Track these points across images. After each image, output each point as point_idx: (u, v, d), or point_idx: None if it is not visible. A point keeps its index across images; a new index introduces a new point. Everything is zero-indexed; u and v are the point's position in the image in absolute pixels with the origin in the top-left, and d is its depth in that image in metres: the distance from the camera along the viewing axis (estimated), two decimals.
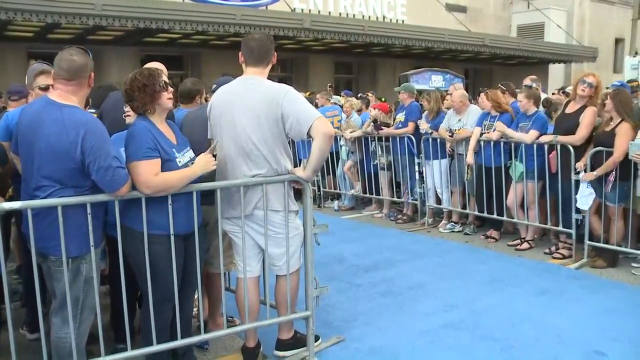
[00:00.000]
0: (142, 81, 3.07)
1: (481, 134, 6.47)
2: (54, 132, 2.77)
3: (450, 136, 6.86)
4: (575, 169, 5.49)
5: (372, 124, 7.77)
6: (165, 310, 3.22)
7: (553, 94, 8.63)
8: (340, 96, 10.19)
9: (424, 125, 7.16)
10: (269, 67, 3.50)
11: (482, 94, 6.72)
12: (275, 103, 3.29)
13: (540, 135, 5.90)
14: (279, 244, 3.47)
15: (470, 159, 6.48)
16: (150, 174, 2.95)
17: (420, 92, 8.43)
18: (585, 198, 5.40)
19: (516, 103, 6.44)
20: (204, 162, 3.17)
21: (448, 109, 7.26)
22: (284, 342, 3.71)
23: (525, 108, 6.13)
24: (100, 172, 2.78)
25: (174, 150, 3.13)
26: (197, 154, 3.30)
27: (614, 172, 5.24)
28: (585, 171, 5.42)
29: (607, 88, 6.39)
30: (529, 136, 5.95)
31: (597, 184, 5.40)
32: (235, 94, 3.40)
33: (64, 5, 10.25)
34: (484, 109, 6.65)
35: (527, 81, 7.12)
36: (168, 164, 3.07)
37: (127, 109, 3.42)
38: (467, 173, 6.60)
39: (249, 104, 3.33)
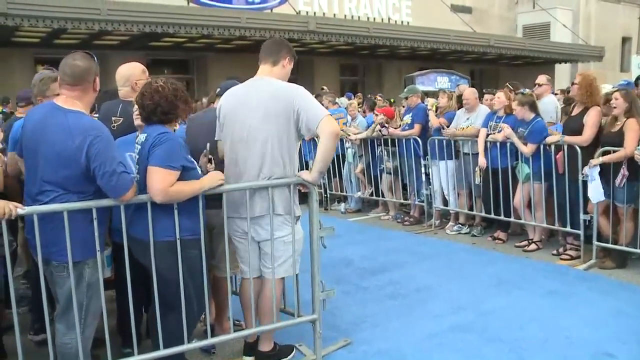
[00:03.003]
0: (186, 95, 3.19)
1: (487, 135, 6.45)
2: (58, 137, 2.78)
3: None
4: (582, 174, 5.45)
5: (379, 128, 7.75)
6: (202, 313, 3.40)
7: (556, 94, 8.57)
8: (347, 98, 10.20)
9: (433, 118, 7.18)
10: (279, 68, 3.49)
11: (500, 91, 6.67)
12: (286, 101, 3.31)
13: (538, 146, 5.91)
14: (277, 247, 3.47)
15: (482, 161, 6.44)
16: (168, 184, 2.97)
17: (426, 93, 8.42)
18: (595, 190, 5.36)
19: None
20: (214, 178, 3.22)
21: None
22: (265, 354, 3.67)
23: (521, 116, 6.07)
24: (105, 177, 2.78)
25: (191, 157, 3.18)
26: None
27: (626, 167, 5.19)
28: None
29: (613, 87, 6.36)
30: (527, 150, 5.95)
31: (605, 184, 5.37)
32: (246, 94, 3.42)
33: (70, 11, 10.32)
34: (497, 106, 6.59)
35: (542, 79, 7.04)
36: (193, 172, 3.15)
37: (136, 112, 3.42)
38: (478, 176, 6.56)
39: (260, 102, 3.34)
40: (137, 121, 3.41)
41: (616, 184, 5.25)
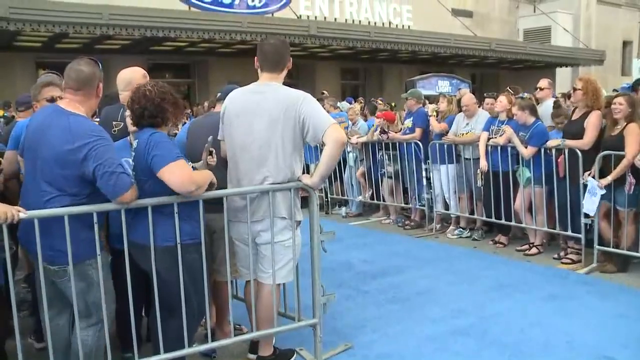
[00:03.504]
0: (175, 97, 3.19)
1: (488, 139, 6.45)
2: (59, 139, 2.80)
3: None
4: (584, 178, 5.45)
5: (379, 133, 7.75)
6: (202, 317, 3.42)
7: (557, 98, 8.55)
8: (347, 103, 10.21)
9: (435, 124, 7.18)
10: (284, 72, 3.51)
11: (502, 95, 6.68)
12: (293, 108, 3.31)
13: (539, 149, 5.91)
14: (277, 251, 3.47)
15: (483, 164, 6.43)
16: (187, 172, 3.01)
17: (427, 97, 8.43)
18: (592, 204, 5.36)
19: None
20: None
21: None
22: (265, 359, 3.67)
23: (522, 120, 6.08)
24: (104, 177, 2.79)
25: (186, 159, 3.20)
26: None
27: (632, 175, 5.18)
28: (594, 177, 5.37)
29: (614, 91, 6.37)
30: (527, 152, 5.97)
31: (606, 188, 5.36)
32: (251, 99, 3.42)
33: (72, 15, 10.34)
34: (499, 109, 6.57)
35: (544, 83, 7.05)
36: None
37: (128, 117, 3.43)
38: (480, 178, 6.55)
39: (266, 109, 3.34)
40: (130, 127, 3.43)
41: (625, 191, 5.24)
